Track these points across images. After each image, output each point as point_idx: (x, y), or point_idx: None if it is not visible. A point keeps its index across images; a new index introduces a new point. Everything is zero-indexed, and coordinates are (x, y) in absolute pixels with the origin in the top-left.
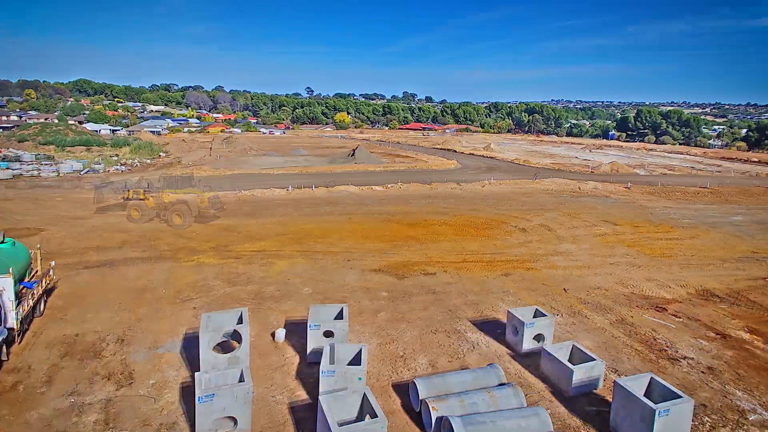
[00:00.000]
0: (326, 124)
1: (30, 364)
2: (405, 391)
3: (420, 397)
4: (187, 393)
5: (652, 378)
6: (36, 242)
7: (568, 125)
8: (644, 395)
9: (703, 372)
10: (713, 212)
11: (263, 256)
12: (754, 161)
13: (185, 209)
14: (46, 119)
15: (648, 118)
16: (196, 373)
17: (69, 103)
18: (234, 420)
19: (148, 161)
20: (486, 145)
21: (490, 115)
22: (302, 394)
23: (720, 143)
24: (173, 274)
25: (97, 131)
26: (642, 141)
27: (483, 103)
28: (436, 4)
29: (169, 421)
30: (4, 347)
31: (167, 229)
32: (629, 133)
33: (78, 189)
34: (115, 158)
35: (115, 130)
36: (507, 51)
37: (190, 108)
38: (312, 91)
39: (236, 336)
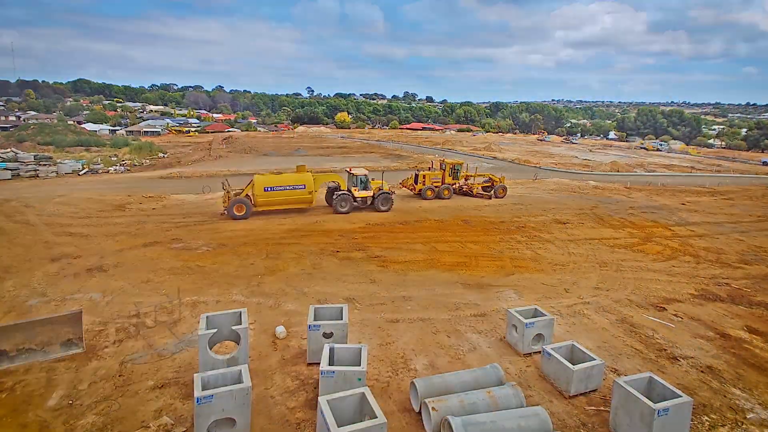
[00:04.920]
0: (327, 124)
1: (28, 364)
2: (404, 391)
3: (419, 398)
4: (186, 394)
5: (651, 377)
6: None
7: (568, 125)
8: (644, 395)
9: (702, 371)
10: (713, 211)
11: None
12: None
13: None
14: (45, 119)
15: (648, 117)
16: (194, 374)
17: (68, 103)
18: (233, 421)
19: (148, 161)
20: (486, 144)
21: (490, 116)
22: (301, 395)
23: (720, 143)
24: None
25: (96, 131)
26: (642, 141)
27: (484, 103)
28: None
29: (167, 423)
30: None
31: None
32: (629, 132)
33: None
34: (115, 158)
35: (115, 130)
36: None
37: (189, 108)
38: (312, 91)
39: (235, 336)
